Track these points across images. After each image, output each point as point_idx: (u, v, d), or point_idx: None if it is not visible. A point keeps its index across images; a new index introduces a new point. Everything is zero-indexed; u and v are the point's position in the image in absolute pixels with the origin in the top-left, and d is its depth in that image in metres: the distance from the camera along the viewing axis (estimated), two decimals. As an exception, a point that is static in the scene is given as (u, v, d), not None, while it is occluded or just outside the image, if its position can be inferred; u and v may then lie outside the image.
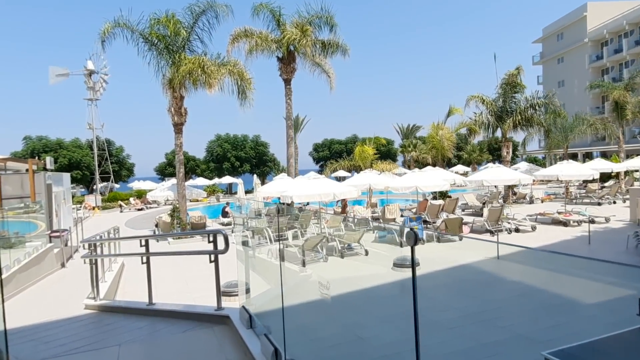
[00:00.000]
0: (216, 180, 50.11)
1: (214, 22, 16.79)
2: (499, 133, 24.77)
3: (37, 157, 36.15)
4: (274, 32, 18.61)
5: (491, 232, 15.00)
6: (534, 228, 16.04)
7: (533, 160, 58.70)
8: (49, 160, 20.64)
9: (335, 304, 9.30)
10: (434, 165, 23.07)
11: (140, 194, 41.58)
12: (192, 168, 57.55)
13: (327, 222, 17.95)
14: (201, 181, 44.60)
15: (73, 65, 54.62)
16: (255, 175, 52.76)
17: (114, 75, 50.00)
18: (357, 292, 9.26)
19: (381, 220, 18.01)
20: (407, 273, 10.08)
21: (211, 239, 5.07)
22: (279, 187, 15.90)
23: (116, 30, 16.97)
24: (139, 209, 37.28)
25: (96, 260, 6.86)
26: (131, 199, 39.09)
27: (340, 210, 23.33)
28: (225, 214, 25.09)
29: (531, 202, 24.52)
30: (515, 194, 24.01)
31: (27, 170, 19.59)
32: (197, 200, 34.23)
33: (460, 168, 42.99)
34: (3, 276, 7.85)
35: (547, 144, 26.96)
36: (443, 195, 21.23)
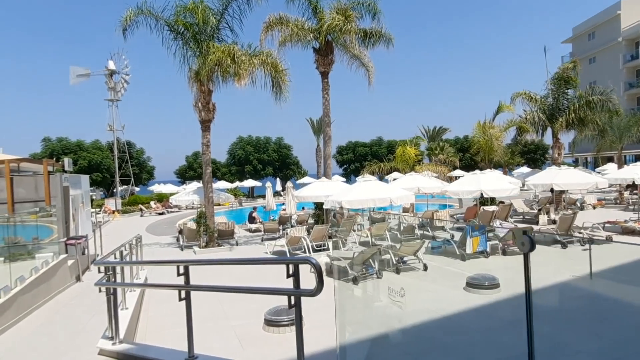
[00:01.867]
0: (237, 184, 48.72)
1: (245, 7, 15.21)
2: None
3: (55, 159, 35.18)
4: (310, 21, 16.93)
5: (562, 244, 12.97)
6: (609, 238, 13.90)
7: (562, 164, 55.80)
8: (67, 162, 19.26)
9: (404, 336, 7.45)
10: (480, 169, 21.10)
11: (161, 198, 40.36)
12: (213, 171, 55.93)
13: (370, 229, 16.15)
14: (222, 184, 43.23)
15: (94, 66, 53.99)
16: (278, 179, 51.42)
17: (135, 75, 49.08)
18: (426, 324, 7.45)
19: (429, 228, 16.12)
20: (486, 296, 8.15)
21: (291, 270, 3.30)
22: (320, 190, 14.18)
23: (139, 18, 15.50)
24: (159, 213, 36.06)
25: (115, 289, 5.17)
26: (152, 203, 37.90)
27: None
28: (252, 220, 23.46)
29: (582, 208, 22.29)
30: (563, 200, 21.82)
31: (49, 172, 18.35)
32: (219, 205, 32.78)
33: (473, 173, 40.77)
34: (1, 300, 6.25)
35: (599, 145, 24.74)
36: (490, 200, 19.20)
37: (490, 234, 12.74)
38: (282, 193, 47.85)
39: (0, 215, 11.58)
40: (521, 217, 19.78)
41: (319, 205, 17.11)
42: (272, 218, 22.62)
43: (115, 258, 6.26)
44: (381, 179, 29.37)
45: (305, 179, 50.36)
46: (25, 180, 15.42)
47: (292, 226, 19.75)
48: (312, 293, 3.00)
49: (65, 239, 13.45)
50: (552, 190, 18.71)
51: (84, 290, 10.44)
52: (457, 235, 15.96)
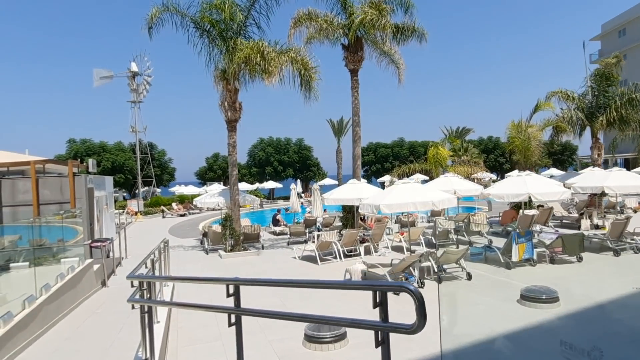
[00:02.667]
0: (257, 185, 48.38)
1: (273, 2, 14.66)
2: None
3: (80, 160, 35.33)
4: (338, 17, 16.29)
5: (615, 252, 12.04)
6: (663, 246, 12.90)
7: (585, 166, 54.02)
8: (91, 163, 19.03)
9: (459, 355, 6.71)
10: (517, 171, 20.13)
11: (183, 199, 40.22)
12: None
13: (402, 234, 15.41)
14: (242, 186, 42.89)
15: (117, 68, 54.43)
16: (298, 181, 50.96)
17: (156, 77, 49.23)
18: (481, 342, 6.70)
19: (465, 233, 15.30)
20: (545, 311, 7.32)
21: (379, 298, 2.60)
22: (351, 193, 13.51)
23: (164, 16, 15.12)
24: (181, 215, 35.89)
25: (150, 307, 4.60)
26: (173, 204, 37.74)
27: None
28: (276, 222, 22.94)
29: (621, 212, 21.09)
30: (600, 203, 20.66)
31: (74, 173, 18.12)
32: (240, 206, 32.27)
33: (515, 173, 39.53)
34: (22, 314, 5.77)
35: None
36: (527, 204, 18.20)
37: (534, 240, 11.86)
38: (302, 195, 47.39)
39: (26, 219, 11.23)
40: (559, 221, 18.76)
41: (347, 209, 16.45)
42: (296, 221, 22.03)
43: (146, 267, 5.72)
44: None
45: (326, 181, 49.81)
46: (50, 182, 15.13)
47: (318, 230, 19.14)
48: (411, 329, 2.33)
49: (89, 241, 13.12)
50: (592, 194, 17.69)
51: (111, 296, 9.99)
52: (496, 241, 15.13)
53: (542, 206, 17.48)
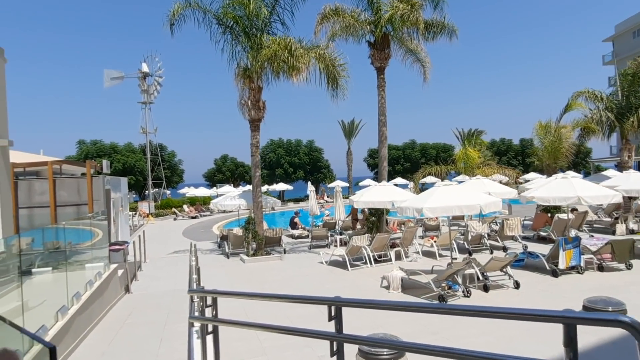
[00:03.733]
0: (266, 187, 47.84)
1: (297, -1, 14.14)
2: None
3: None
4: (365, 12, 15.73)
5: (664, 259, 11.34)
6: None
7: (597, 169, 53.15)
8: (105, 164, 18.54)
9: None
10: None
11: (193, 201, 39.75)
12: (241, 174, 55.75)
13: (433, 239, 14.79)
14: (242, 189, 42.35)
15: (127, 69, 54.17)
16: (309, 183, 50.34)
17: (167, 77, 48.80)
18: None
19: (498, 238, 14.66)
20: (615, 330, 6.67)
21: (570, 333, 1.98)
22: (383, 195, 12.91)
23: (187, 12, 14.63)
24: (192, 217, 35.36)
25: (216, 327, 4.01)
26: (185, 206, 37.25)
27: (355, 221, 20.07)
28: (294, 225, 22.34)
29: (652, 216, 20.35)
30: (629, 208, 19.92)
31: (82, 174, 17.63)
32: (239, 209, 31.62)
33: (533, 175, 38.66)
34: (57, 327, 5.22)
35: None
36: (556, 208, 17.50)
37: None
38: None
39: (64, 221, 10.71)
40: (589, 225, 18.05)
41: (373, 212, 15.85)
42: (314, 224, 21.44)
43: (193, 275, 5.15)
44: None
45: (337, 183, 49.19)
46: (67, 183, 14.66)
47: (340, 234, 18.56)
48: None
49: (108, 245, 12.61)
50: (628, 197, 16.96)
51: (137, 304, 9.46)
52: (531, 246, 14.49)
53: (576, 210, 16.80)
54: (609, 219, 18.05)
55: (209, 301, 4.07)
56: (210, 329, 3.98)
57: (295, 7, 14.73)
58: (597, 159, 53.42)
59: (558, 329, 1.98)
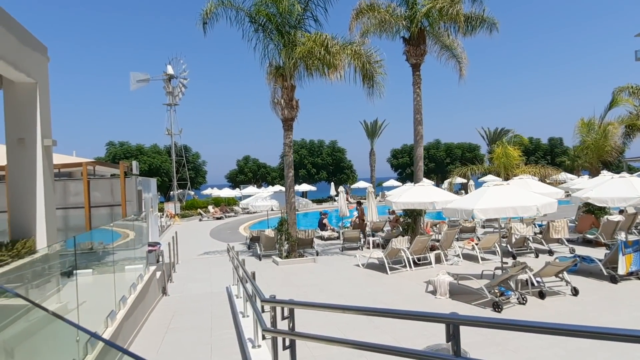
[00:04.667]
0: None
1: (331, -6, 13.76)
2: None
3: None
4: (400, 7, 15.27)
5: None
6: None
7: (629, 169, 51.16)
8: (135, 165, 18.50)
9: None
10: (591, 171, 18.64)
11: (218, 202, 39.79)
12: (263, 175, 55.72)
13: (473, 241, 14.23)
14: (276, 189, 42.18)
15: (153, 71, 54.73)
16: (332, 184, 49.96)
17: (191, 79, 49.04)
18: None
19: (543, 241, 13.99)
20: None
21: None
22: (422, 196, 12.41)
23: (219, 10, 14.41)
24: (217, 218, 35.34)
25: (293, 341, 3.63)
26: (210, 207, 37.27)
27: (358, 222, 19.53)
28: (322, 227, 21.98)
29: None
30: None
31: (112, 175, 17.63)
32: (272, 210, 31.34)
33: (565, 176, 37.50)
34: (107, 334, 4.94)
35: None
36: (600, 209, 16.64)
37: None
38: (335, 198, 46.34)
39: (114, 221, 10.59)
40: (637, 228, 17.14)
41: (408, 213, 15.34)
42: (342, 225, 21.02)
43: (253, 281, 4.78)
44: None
45: (360, 184, 48.64)
46: (101, 184, 14.60)
47: (373, 235, 18.10)
48: None
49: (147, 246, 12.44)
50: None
51: (177, 307, 9.20)
52: (577, 250, 13.77)
53: (625, 211, 15.97)
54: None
55: (286, 312, 3.70)
56: (287, 342, 3.62)
57: (329, 3, 14.38)
58: (629, 158, 51.49)
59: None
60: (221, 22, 14.83)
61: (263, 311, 4.00)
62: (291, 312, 3.68)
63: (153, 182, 20.87)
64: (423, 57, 15.37)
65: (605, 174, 16.14)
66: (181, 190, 46.24)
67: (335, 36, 13.94)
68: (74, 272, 4.54)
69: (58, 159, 15.11)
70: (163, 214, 31.88)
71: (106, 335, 5.04)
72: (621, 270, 9.73)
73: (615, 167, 58.26)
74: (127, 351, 2.59)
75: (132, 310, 6.49)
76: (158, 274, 9.78)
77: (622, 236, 13.55)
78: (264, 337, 3.92)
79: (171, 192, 43.63)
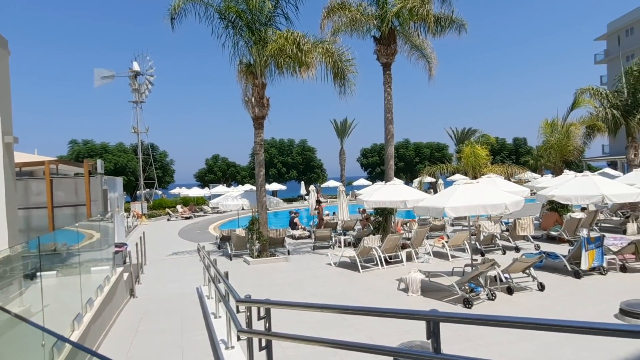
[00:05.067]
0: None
1: (302, -8, 13.70)
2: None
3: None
4: (371, 7, 15.35)
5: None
6: None
7: (589, 169, 53.36)
8: (99, 164, 17.92)
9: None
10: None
11: (187, 202, 39.05)
12: (233, 174, 55.11)
13: (443, 239, 14.47)
14: (246, 188, 41.74)
15: (118, 68, 53.11)
16: (302, 183, 49.92)
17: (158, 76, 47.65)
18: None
19: (510, 238, 14.38)
20: None
21: None
22: (393, 194, 12.52)
23: (187, 6, 14.10)
24: (186, 218, 34.66)
25: (270, 341, 3.54)
26: (178, 207, 36.52)
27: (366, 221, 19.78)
28: (294, 226, 21.90)
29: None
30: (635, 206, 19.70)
31: (76, 174, 16.99)
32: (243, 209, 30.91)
33: (529, 175, 38.73)
34: (74, 338, 4.73)
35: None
36: (562, 206, 17.24)
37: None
38: (305, 197, 46.34)
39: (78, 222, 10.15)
40: (598, 225, 17.84)
41: (380, 211, 15.47)
42: (313, 224, 21.01)
43: (226, 281, 4.68)
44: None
45: (330, 183, 48.75)
46: (64, 183, 14.04)
47: (344, 234, 18.15)
48: None
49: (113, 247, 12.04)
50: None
51: (145, 309, 8.94)
52: (544, 246, 14.20)
53: (586, 209, 16.62)
54: (617, 218, 17.91)
55: (262, 312, 3.62)
56: (263, 343, 3.54)
57: (300, 0, 14.31)
58: (589, 157, 53.70)
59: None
60: (190, 18, 14.58)
61: (238, 311, 3.90)
62: (267, 312, 3.60)
63: (119, 181, 20.27)
64: (393, 57, 15.52)
65: (568, 173, 16.77)
66: (148, 189, 45.16)
67: (306, 34, 13.92)
68: (38, 274, 4.33)
69: (19, 157, 14.44)
70: (129, 214, 31.00)
71: (74, 338, 4.83)
72: (584, 266, 10.10)
73: (576, 166, 60.64)
74: (96, 353, 2.47)
75: (99, 312, 6.25)
76: (125, 275, 9.48)
77: (584, 233, 14.10)
78: (239, 338, 3.83)
79: (138, 192, 42.52)
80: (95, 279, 6.93)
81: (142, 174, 41.57)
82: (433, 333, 2.37)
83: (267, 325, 3.57)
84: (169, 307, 9.07)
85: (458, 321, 2.41)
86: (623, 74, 19.76)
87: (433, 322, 2.37)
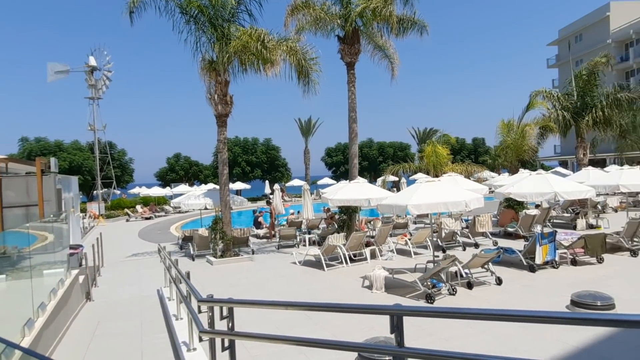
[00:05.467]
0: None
1: (266, -12, 13.58)
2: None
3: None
4: (335, 6, 15.39)
5: (632, 252, 11.81)
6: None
7: (542, 168, 55.87)
8: (53, 162, 17.12)
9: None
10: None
11: (147, 202, 37.95)
12: (195, 173, 54.09)
13: (406, 236, 14.71)
14: (209, 187, 41.00)
15: (74, 62, 50.97)
16: (267, 182, 49.54)
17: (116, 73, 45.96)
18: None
19: (470, 235, 14.80)
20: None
21: None
22: (357, 193, 12.60)
23: (147, -1, 13.69)
24: (146, 218, 33.69)
25: (233, 341, 3.46)
26: (138, 207, 35.44)
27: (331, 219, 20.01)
28: (258, 225, 21.72)
29: (603, 211, 21.40)
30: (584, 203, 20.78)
31: (27, 173, 16.17)
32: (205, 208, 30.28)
33: (487, 174, 40.00)
34: (24, 344, 4.49)
35: (620, 146, 24.03)
36: (518, 204, 17.92)
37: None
38: (270, 196, 46.10)
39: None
40: (549, 221, 18.66)
41: (345, 210, 15.55)
42: (278, 222, 20.90)
43: (188, 281, 4.56)
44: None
45: (295, 182, 48.67)
46: (15, 182, 13.36)
47: (309, 233, 18.16)
48: None
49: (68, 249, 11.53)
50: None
51: (102, 313, 8.60)
52: (502, 242, 14.70)
53: (540, 205, 17.32)
54: (568, 215, 18.78)
55: (225, 312, 3.54)
56: (226, 343, 3.47)
57: (264, -2, 14.18)
58: (543, 157, 56.15)
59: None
60: (150, 12, 14.17)
61: (200, 312, 3.81)
62: (230, 311, 3.52)
63: (74, 180, 19.49)
64: (357, 56, 15.64)
65: (523, 172, 17.44)
66: (106, 189, 43.59)
67: (270, 32, 13.79)
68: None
69: (-37, 155, 13.63)
70: (86, 215, 29.82)
71: (23, 345, 4.57)
72: (538, 260, 10.52)
73: (531, 165, 63.21)
74: (48, 359, 2.34)
75: (52, 317, 5.95)
76: (81, 278, 9.11)
77: (538, 229, 14.67)
78: (200, 339, 3.74)
79: (95, 192, 40.97)
80: (48, 283, 6.60)
81: (99, 173, 40.03)
82: (397, 327, 2.39)
83: (230, 324, 3.49)
84: (128, 310, 8.77)
85: (421, 314, 2.43)
86: (573, 78, 20.75)
87: (396, 317, 2.39)
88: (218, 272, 12.79)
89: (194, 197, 16.28)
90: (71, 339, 6.64)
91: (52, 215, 9.22)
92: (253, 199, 46.29)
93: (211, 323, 3.65)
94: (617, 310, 7.48)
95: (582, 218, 16.74)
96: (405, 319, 2.56)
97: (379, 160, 55.73)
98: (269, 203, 20.65)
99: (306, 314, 7.53)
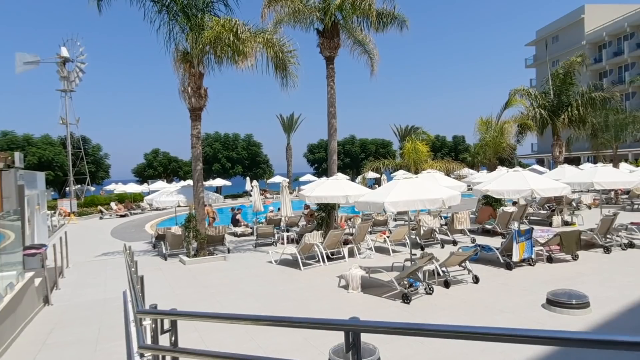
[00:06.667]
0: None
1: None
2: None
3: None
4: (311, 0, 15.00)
5: (606, 249, 11.78)
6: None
7: (519, 165, 56.72)
8: (17, 157, 16.32)
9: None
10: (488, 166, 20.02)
11: (122, 199, 36.91)
12: (175, 170, 53.06)
13: (385, 234, 14.44)
14: (188, 184, 40.17)
15: (44, 53, 49.20)
16: (247, 178, 48.78)
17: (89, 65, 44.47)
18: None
19: (448, 232, 14.62)
20: (576, 317, 6.37)
21: None
22: (336, 189, 12.25)
23: (116, -14, 13.06)
24: (121, 215, 32.74)
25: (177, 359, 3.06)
26: (112, 204, 34.43)
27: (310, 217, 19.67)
28: (236, 223, 21.20)
29: (577, 208, 21.60)
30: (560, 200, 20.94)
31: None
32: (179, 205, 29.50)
33: (467, 171, 40.21)
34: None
35: (594, 144, 24.28)
36: (496, 201, 17.88)
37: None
38: (251, 193, 45.55)
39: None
40: (526, 218, 18.68)
41: (323, 207, 15.20)
42: (257, 220, 20.43)
43: (137, 286, 4.13)
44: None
45: (277, 178, 48.09)
46: (-28, 178, 12.59)
47: (287, 230, 17.76)
48: None
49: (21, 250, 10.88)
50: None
51: (59, 319, 8.05)
52: (479, 239, 14.57)
53: (517, 202, 17.29)
54: (544, 212, 18.82)
55: (167, 325, 3.13)
56: (168, 361, 3.07)
57: (240, -13, 13.70)
58: (521, 155, 56.93)
59: None
60: (119, 0, 13.56)
61: (141, 324, 3.40)
62: (173, 324, 3.11)
63: (40, 176, 18.64)
64: (337, 51, 15.27)
65: (501, 169, 17.37)
66: (79, 185, 42.29)
67: (247, 23, 13.30)
68: None
69: None
70: (55, 212, 28.76)
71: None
72: (515, 257, 10.38)
73: (509, 163, 64.07)
74: None
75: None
76: (37, 280, 8.53)
77: (515, 226, 14.63)
78: (142, 356, 3.32)
79: (67, 188, 39.69)
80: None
81: (71, 168, 38.70)
82: (353, 344, 2.03)
83: (173, 339, 3.08)
84: (88, 315, 8.23)
85: (379, 331, 2.09)
86: (550, 77, 20.82)
87: (353, 333, 2.04)
88: (190, 272, 12.28)
89: (166, 194, 15.70)
90: (18, 349, 6.11)
91: (1, 213, 8.59)
92: (233, 196, 45.56)
93: (154, 337, 3.24)
94: (592, 310, 7.32)
95: (557, 215, 16.77)
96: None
97: (361, 157, 55.55)
98: (234, 209, 20.14)
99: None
